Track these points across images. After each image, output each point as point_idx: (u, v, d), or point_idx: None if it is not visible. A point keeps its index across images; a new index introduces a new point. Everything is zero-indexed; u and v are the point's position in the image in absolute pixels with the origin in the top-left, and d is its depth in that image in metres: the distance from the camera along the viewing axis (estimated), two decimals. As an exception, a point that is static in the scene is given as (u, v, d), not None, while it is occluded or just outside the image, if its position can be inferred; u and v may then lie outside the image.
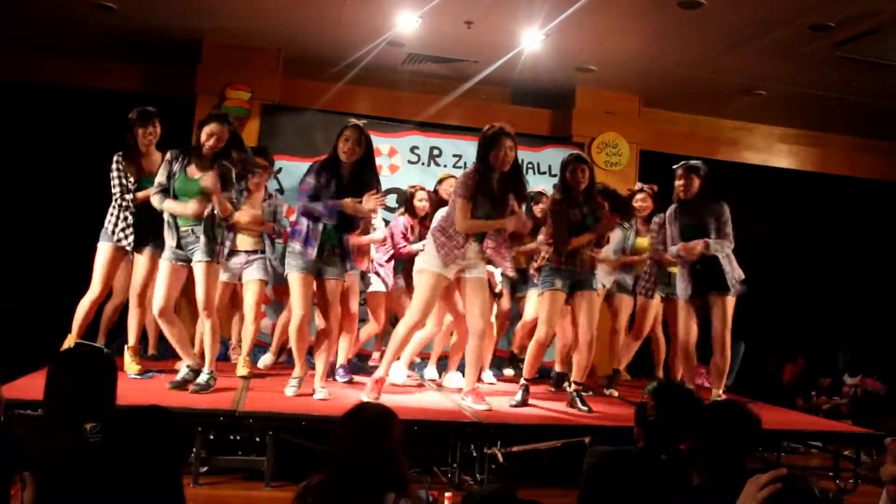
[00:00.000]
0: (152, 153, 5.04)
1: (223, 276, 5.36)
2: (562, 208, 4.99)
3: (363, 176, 4.68)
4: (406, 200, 5.98)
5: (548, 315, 5.01)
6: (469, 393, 4.79)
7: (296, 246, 4.63)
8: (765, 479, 1.58)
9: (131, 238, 4.91)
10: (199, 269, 4.54)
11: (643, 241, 5.91)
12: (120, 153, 4.98)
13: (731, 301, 5.12)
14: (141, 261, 4.98)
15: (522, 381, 5.13)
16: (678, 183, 5.07)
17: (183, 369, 4.67)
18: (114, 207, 4.93)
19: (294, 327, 4.71)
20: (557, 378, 5.94)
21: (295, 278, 4.66)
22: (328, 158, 4.69)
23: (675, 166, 5.18)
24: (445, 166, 7.20)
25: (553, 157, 7.45)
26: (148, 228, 4.86)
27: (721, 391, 5.18)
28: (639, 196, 5.97)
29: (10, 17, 6.38)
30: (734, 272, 5.11)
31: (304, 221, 4.63)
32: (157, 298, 4.58)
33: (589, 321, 5.01)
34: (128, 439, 2.11)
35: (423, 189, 5.99)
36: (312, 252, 4.58)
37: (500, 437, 4.32)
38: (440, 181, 5.93)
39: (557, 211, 5.01)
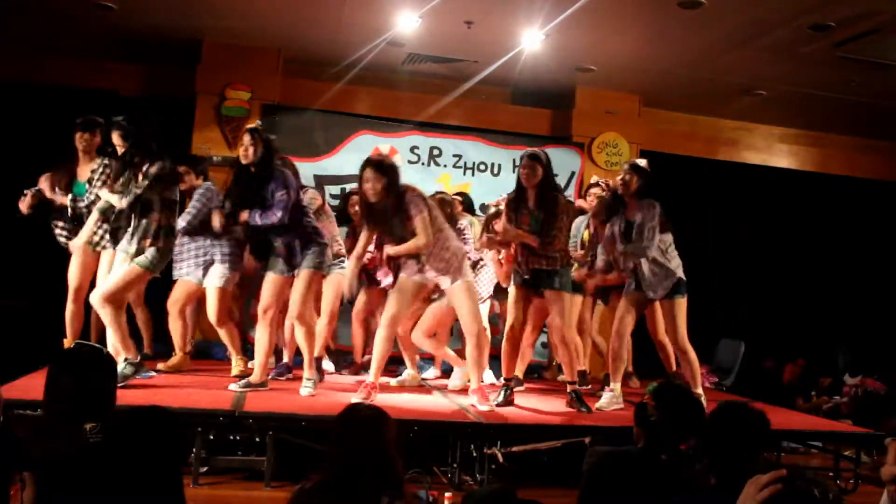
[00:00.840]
0: (93, 159, 5.27)
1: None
2: (509, 207, 5.04)
3: (263, 182, 4.76)
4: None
5: (508, 308, 5.13)
6: (475, 392, 4.82)
7: None
8: (765, 479, 1.58)
9: (62, 239, 5.24)
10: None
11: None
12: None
13: (679, 303, 5.03)
14: (103, 263, 5.12)
15: (502, 380, 5.14)
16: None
17: (121, 363, 4.64)
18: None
19: None
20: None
21: None
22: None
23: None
24: (445, 166, 7.22)
25: (553, 157, 7.27)
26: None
27: (699, 389, 5.15)
28: (593, 191, 5.92)
29: (10, 17, 6.38)
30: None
31: None
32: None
33: (559, 320, 4.99)
34: (128, 439, 2.11)
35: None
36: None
37: (500, 437, 4.32)
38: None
39: (506, 211, 5.09)
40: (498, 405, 4.88)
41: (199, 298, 5.62)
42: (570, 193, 7.16)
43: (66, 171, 5.27)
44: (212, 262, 5.31)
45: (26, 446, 2.11)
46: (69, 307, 5.17)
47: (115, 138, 4.80)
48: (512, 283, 5.15)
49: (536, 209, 4.90)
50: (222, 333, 5.41)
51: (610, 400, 5.08)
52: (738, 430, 2.34)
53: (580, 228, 5.87)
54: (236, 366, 5.35)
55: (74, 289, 5.18)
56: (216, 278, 5.29)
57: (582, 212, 5.99)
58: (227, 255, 5.30)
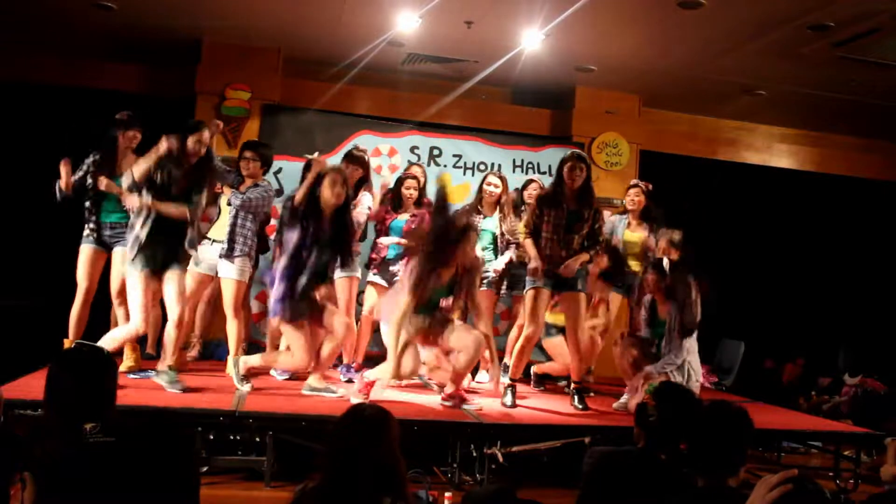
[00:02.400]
0: (129, 155, 5.22)
1: (201, 268, 5.39)
2: (542, 203, 5.09)
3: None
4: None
5: (530, 312, 5.09)
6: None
7: None
8: (774, 479, 1.58)
9: (94, 235, 5.15)
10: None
11: (633, 236, 6.06)
12: (97, 153, 5.18)
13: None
14: (116, 260, 5.09)
15: (508, 381, 5.15)
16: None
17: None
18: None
19: None
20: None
21: None
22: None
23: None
24: (445, 166, 7.19)
25: (553, 157, 7.44)
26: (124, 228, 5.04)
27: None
28: (632, 191, 6.14)
29: (10, 17, 6.37)
30: None
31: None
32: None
33: (573, 323, 5.06)
34: (143, 448, 2.09)
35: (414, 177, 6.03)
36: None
37: (500, 437, 4.32)
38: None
39: (535, 206, 5.16)
40: (511, 406, 4.97)
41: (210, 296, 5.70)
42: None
43: (108, 164, 5.20)
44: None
45: (26, 446, 2.11)
46: (79, 307, 5.11)
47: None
48: (532, 286, 5.11)
49: (577, 207, 5.01)
50: (231, 326, 5.27)
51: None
52: (720, 430, 2.33)
53: (617, 229, 6.08)
54: (232, 367, 5.31)
55: (86, 289, 5.13)
56: (234, 271, 5.22)
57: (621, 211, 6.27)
58: (247, 248, 5.27)
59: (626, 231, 6.07)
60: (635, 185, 6.15)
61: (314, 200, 4.68)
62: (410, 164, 6.56)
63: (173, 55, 6.95)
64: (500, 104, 7.80)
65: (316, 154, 5.77)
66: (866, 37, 5.73)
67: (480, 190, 6.06)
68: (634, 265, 6.02)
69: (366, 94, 7.38)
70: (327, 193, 4.68)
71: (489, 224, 6.00)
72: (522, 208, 6.20)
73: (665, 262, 5.16)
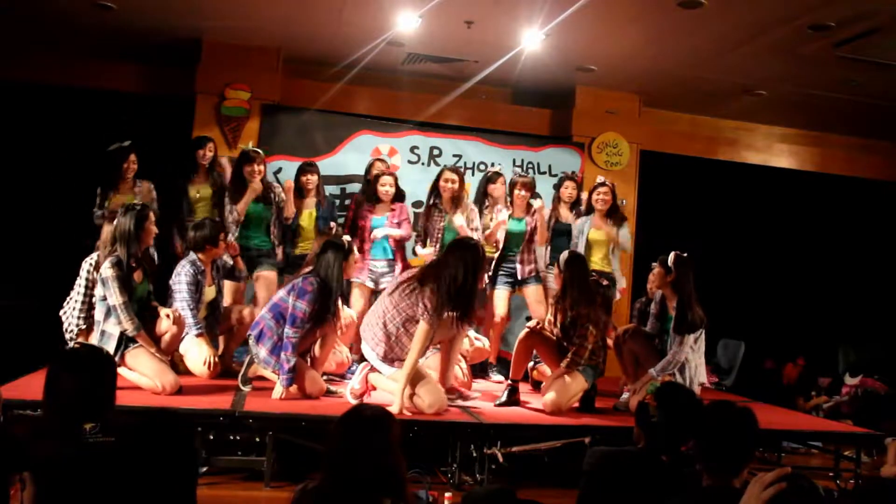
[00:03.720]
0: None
1: None
2: (555, 302, 5.10)
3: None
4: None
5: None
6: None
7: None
8: (769, 478, 1.58)
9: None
10: None
11: (598, 234, 6.00)
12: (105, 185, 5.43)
13: None
14: None
15: (508, 381, 5.14)
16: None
17: None
18: None
19: None
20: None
21: None
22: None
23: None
24: (445, 166, 7.19)
25: (553, 157, 7.46)
26: None
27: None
28: (601, 190, 6.05)
29: (10, 16, 6.37)
30: None
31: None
32: None
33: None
34: (141, 444, 2.09)
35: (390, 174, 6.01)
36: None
37: (500, 437, 4.32)
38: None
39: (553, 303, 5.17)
40: (500, 405, 4.91)
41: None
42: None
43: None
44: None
45: (26, 446, 2.11)
46: None
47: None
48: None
49: (573, 316, 4.91)
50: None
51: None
52: (725, 430, 2.33)
53: (583, 228, 6.04)
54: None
55: None
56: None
57: (589, 210, 6.17)
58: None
59: (591, 230, 5.99)
60: (603, 184, 6.06)
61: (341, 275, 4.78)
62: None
63: (173, 55, 6.95)
64: (500, 104, 7.80)
65: (250, 143, 5.95)
66: (866, 37, 5.73)
67: (438, 187, 5.93)
68: (598, 262, 6.02)
69: (366, 94, 7.38)
70: (350, 271, 4.94)
71: (456, 221, 5.81)
72: (486, 202, 6.10)
73: (671, 257, 5.11)
